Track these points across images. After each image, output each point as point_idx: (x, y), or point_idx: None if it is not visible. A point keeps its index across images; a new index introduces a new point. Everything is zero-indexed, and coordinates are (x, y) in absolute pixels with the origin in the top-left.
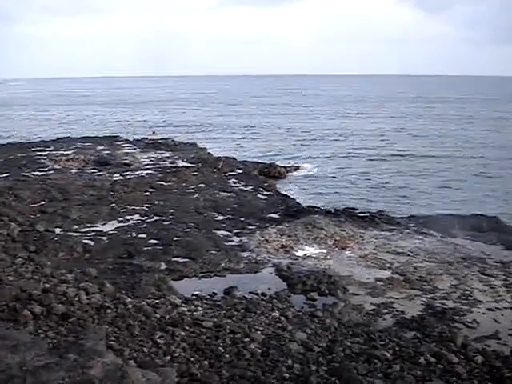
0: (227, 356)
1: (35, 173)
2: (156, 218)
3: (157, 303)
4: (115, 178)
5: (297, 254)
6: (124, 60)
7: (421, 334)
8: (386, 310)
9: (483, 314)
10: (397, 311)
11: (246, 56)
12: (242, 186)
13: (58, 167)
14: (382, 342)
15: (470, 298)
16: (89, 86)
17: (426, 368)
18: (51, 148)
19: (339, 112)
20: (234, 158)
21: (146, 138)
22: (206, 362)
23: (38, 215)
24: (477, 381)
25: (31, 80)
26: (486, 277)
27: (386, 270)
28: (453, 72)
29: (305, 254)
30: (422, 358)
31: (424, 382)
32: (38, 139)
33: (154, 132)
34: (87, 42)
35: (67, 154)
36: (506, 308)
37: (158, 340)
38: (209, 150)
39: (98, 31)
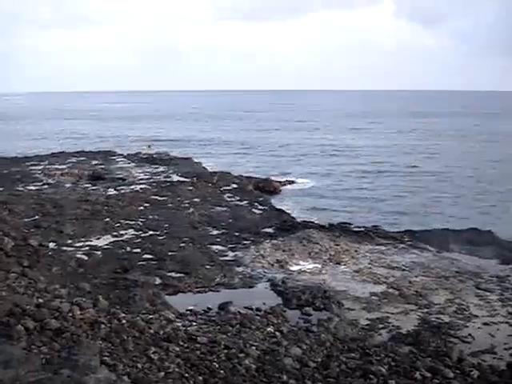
0: (222, 372)
1: (29, 187)
2: (150, 232)
3: (151, 318)
4: (110, 193)
5: (292, 268)
6: (121, 73)
7: (416, 348)
8: (381, 325)
9: (479, 328)
10: (392, 326)
11: (244, 70)
12: (237, 200)
13: (52, 182)
14: (377, 357)
15: (465, 312)
16: (84, 101)
17: (421, 383)
18: (46, 162)
19: (334, 127)
20: (229, 173)
21: (141, 153)
22: (200, 377)
23: (32, 230)
24: None
25: (26, 94)
26: (481, 291)
27: (381, 284)
28: (449, 86)
29: (300, 269)
30: (417, 373)
31: None
32: (33, 153)
33: (149, 146)
34: (83, 55)
35: (62, 169)
36: (501, 322)
37: (152, 355)
38: (204, 165)
39: (93, 44)
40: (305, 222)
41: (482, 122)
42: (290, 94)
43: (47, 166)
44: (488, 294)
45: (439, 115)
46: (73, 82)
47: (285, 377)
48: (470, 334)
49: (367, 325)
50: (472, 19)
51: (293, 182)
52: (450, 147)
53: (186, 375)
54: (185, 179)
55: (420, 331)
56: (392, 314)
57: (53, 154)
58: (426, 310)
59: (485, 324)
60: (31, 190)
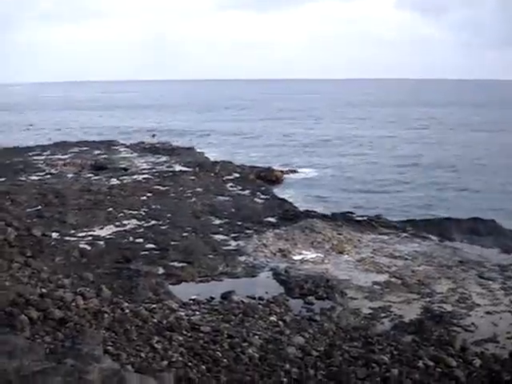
0: (225, 361)
1: (32, 177)
2: (153, 222)
3: (154, 308)
4: (112, 183)
5: (294, 258)
6: (123, 64)
7: (419, 337)
8: (383, 314)
9: (481, 317)
10: (395, 315)
11: (245, 59)
12: (240, 190)
13: (54, 172)
14: (380, 346)
15: (468, 301)
16: (87, 90)
17: (424, 372)
18: (48, 152)
19: (337, 117)
20: (231, 162)
21: (143, 143)
22: (203, 366)
23: (35, 220)
24: None
25: (31, 84)
26: (483, 280)
27: (383, 273)
28: (450, 76)
29: (302, 258)
30: (420, 361)
31: None
32: (35, 143)
33: (153, 135)
34: (86, 47)
35: (64, 159)
36: (504, 311)
37: (156, 345)
38: (206, 155)
39: (96, 35)
40: (307, 211)
41: (483, 112)
42: (290, 83)
43: (49, 156)
44: (490, 282)
45: (440, 105)
46: (75, 72)
47: (288, 365)
48: (472, 323)
49: (370, 314)
50: (472, 10)
51: (295, 172)
52: (451, 136)
53: (190, 364)
54: (187, 169)
55: (423, 320)
56: (394, 303)
57: (55, 143)
58: (428, 299)
59: (487, 313)
60: (34, 180)
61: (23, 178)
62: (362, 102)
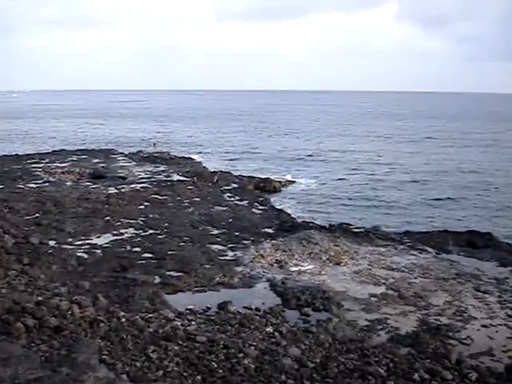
0: (220, 371)
1: (30, 185)
2: (150, 231)
3: (150, 317)
4: (110, 191)
5: (291, 269)
6: (123, 73)
7: (415, 350)
8: (380, 326)
9: (477, 330)
10: (391, 327)
11: (245, 70)
12: (237, 200)
13: (52, 179)
14: (376, 358)
15: (464, 314)
16: (86, 99)
17: None
18: (46, 160)
19: (335, 129)
20: (229, 172)
21: (142, 152)
22: (199, 376)
23: (33, 227)
24: None
25: (30, 92)
26: (480, 293)
27: (380, 285)
28: (450, 89)
29: (299, 270)
30: (416, 374)
31: None
32: (33, 151)
33: (154, 144)
34: (85, 55)
35: (62, 167)
36: (500, 325)
37: (151, 354)
38: (204, 164)
39: (96, 44)
40: (305, 222)
41: (482, 125)
42: (290, 95)
43: (48, 164)
44: (487, 296)
45: (438, 117)
46: (75, 81)
47: (283, 377)
48: (468, 336)
49: (366, 326)
50: (474, 23)
51: (293, 183)
52: (450, 150)
53: (185, 374)
54: (185, 178)
55: (419, 333)
56: (391, 315)
57: (53, 151)
58: (424, 312)
59: (483, 326)
60: (32, 187)
61: (21, 186)
62: (361, 114)
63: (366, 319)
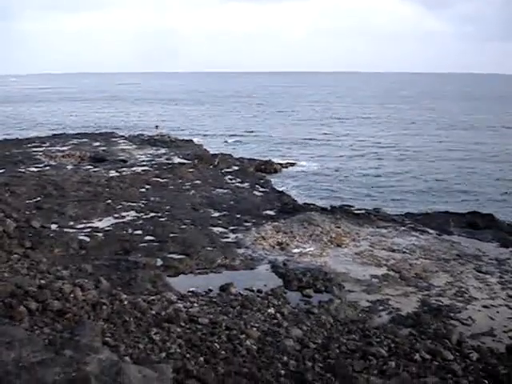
0: (223, 352)
1: (31, 169)
2: (152, 214)
3: (152, 300)
4: (111, 175)
5: (293, 250)
6: (123, 56)
7: (416, 330)
8: (381, 307)
9: (478, 311)
10: (392, 308)
11: (246, 52)
12: (238, 182)
13: (53, 163)
14: (377, 339)
15: (465, 295)
16: (85, 82)
17: (421, 365)
18: (47, 144)
19: (336, 112)
20: (230, 155)
21: (143, 135)
22: (201, 358)
23: (34, 211)
24: (472, 378)
25: (27, 76)
26: (481, 274)
27: (381, 266)
28: (452, 69)
29: (301, 251)
30: (417, 354)
31: (419, 379)
32: (34, 135)
33: (157, 127)
34: (86, 38)
35: (63, 150)
36: (501, 305)
37: (154, 336)
38: (205, 147)
39: (96, 27)
40: (306, 204)
41: (485, 106)
42: (295, 76)
43: (48, 148)
44: (488, 276)
45: (441, 98)
46: (74, 64)
47: (285, 358)
48: (469, 317)
49: (367, 307)
50: (475, 4)
51: (294, 165)
52: (452, 132)
53: (188, 356)
54: (186, 161)
55: (420, 313)
56: (392, 296)
57: (54, 135)
58: (426, 293)
59: (484, 307)
60: (33, 171)
61: (22, 170)
62: (362, 97)
63: (367, 300)
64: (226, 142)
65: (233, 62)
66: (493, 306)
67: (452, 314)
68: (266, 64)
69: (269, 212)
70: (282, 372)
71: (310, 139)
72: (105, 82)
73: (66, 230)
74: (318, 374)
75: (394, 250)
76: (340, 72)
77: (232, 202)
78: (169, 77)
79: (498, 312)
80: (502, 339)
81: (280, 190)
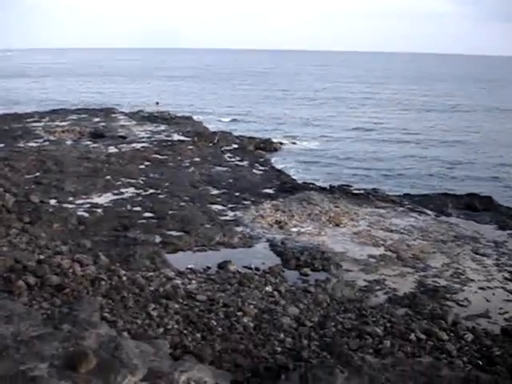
0: (220, 329)
1: (30, 144)
2: (151, 191)
3: (151, 276)
4: (110, 151)
5: (291, 229)
6: (120, 31)
7: (412, 311)
8: (378, 287)
9: (475, 292)
10: (389, 288)
11: (253, 29)
12: (238, 160)
13: (53, 138)
14: (373, 319)
15: (462, 276)
16: (88, 58)
17: (416, 345)
18: (46, 119)
19: (339, 92)
20: (229, 133)
21: (142, 111)
22: (198, 334)
23: (33, 186)
24: (466, 358)
25: (28, 51)
26: (478, 256)
27: (379, 247)
28: (454, 50)
29: (299, 230)
30: (412, 334)
31: (414, 359)
32: (34, 110)
33: (157, 103)
34: (93, 13)
35: (62, 126)
36: (497, 287)
37: (152, 312)
38: (205, 124)
39: (102, 3)
40: (305, 183)
41: (485, 88)
42: (300, 55)
43: (48, 123)
44: (485, 258)
45: (443, 80)
46: (75, 39)
47: (282, 335)
48: (465, 298)
49: (364, 286)
50: None
51: (294, 144)
52: (453, 114)
53: (185, 332)
54: (186, 138)
55: (416, 294)
56: (389, 276)
57: (53, 110)
58: (422, 274)
59: (481, 288)
60: (32, 146)
61: (22, 145)
62: (365, 76)
63: (364, 280)
64: (225, 119)
65: (235, 38)
66: (489, 287)
67: (448, 295)
68: (269, 42)
69: (268, 190)
70: (279, 349)
71: (311, 119)
72: (105, 57)
73: (65, 205)
74: (314, 352)
75: (391, 231)
76: (344, 51)
77: (231, 180)
78: (169, 53)
79: (493, 294)
80: (496, 321)
81: (279, 168)
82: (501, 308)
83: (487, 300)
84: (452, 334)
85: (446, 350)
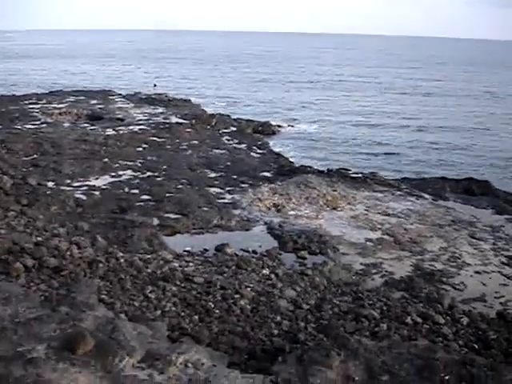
0: (217, 311)
1: (27, 126)
2: (149, 173)
3: (148, 258)
4: (108, 133)
5: (288, 212)
6: (114, 11)
7: (409, 294)
8: (375, 271)
9: (471, 276)
10: (386, 272)
11: (251, 10)
12: (236, 143)
13: (50, 121)
14: (370, 302)
15: (458, 260)
16: (84, 40)
17: (412, 328)
18: (44, 101)
19: (337, 74)
20: (228, 116)
21: (140, 93)
22: (196, 316)
23: (31, 168)
24: (462, 342)
25: (26, 32)
26: (475, 240)
27: (376, 230)
28: (453, 34)
29: (296, 213)
30: (408, 317)
31: (410, 342)
32: (31, 92)
33: (155, 85)
34: None
35: (60, 108)
36: (493, 271)
37: (149, 294)
38: (203, 107)
39: None
40: (303, 166)
41: (485, 72)
42: (284, 37)
43: (45, 105)
44: (481, 243)
45: (442, 63)
46: (74, 20)
47: (278, 318)
48: (462, 282)
49: (361, 270)
50: None
51: (292, 127)
52: (451, 98)
53: (182, 314)
54: (184, 121)
55: (413, 277)
56: (386, 259)
57: (51, 92)
58: (419, 257)
59: (477, 272)
60: (29, 128)
61: (19, 127)
62: (363, 60)
63: (361, 263)
64: (223, 102)
65: (235, 20)
66: (485, 272)
67: (444, 279)
68: (268, 24)
69: (265, 174)
70: (275, 332)
71: (310, 102)
72: (103, 39)
73: (62, 187)
74: (311, 335)
75: (389, 215)
76: (335, 34)
77: (229, 163)
78: (169, 34)
79: (490, 278)
80: (492, 305)
81: (277, 151)
82: (497, 292)
83: (483, 284)
84: (448, 318)
85: (442, 333)
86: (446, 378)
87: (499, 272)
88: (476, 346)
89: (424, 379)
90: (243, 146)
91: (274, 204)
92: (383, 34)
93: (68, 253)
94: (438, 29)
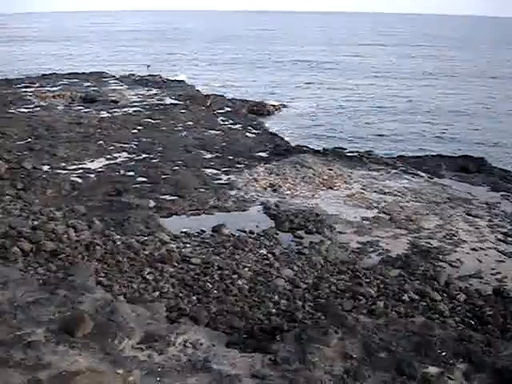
0: (215, 292)
1: (21, 110)
2: (144, 155)
3: (145, 240)
4: (102, 115)
5: (285, 192)
6: None
7: (405, 272)
8: (371, 249)
9: (467, 253)
10: (382, 250)
11: None
12: (231, 124)
13: (44, 104)
14: (366, 280)
15: (454, 237)
16: (76, 22)
17: (409, 305)
18: (37, 84)
19: (333, 52)
20: (222, 96)
21: (133, 75)
22: (194, 297)
23: (25, 152)
24: (458, 318)
25: (13, 15)
26: (471, 217)
27: (372, 209)
28: (438, 11)
29: (292, 193)
30: (405, 295)
31: (407, 319)
32: (24, 75)
33: (148, 66)
34: None
35: (53, 91)
36: (489, 248)
37: (147, 276)
38: (197, 88)
39: None
40: (299, 146)
41: (482, 52)
42: (286, 16)
43: (38, 88)
44: (478, 220)
45: (442, 41)
46: (68, 2)
47: (276, 297)
48: (458, 259)
49: (358, 248)
50: None
51: (288, 107)
52: (451, 79)
53: (181, 295)
54: (178, 102)
55: (409, 255)
56: (382, 238)
57: (43, 75)
58: (415, 235)
59: (473, 249)
60: (23, 112)
61: (12, 111)
62: (358, 38)
63: (357, 242)
64: (217, 83)
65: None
66: (481, 248)
67: (441, 256)
68: (265, 2)
69: (261, 154)
70: (273, 311)
71: (306, 83)
72: (90, 20)
73: (57, 171)
74: (309, 313)
75: (385, 193)
76: (323, 12)
77: (224, 144)
78: (155, 14)
79: (486, 255)
80: (489, 281)
81: (273, 131)
82: (493, 269)
83: (480, 261)
84: (445, 295)
85: (439, 310)
86: (443, 354)
87: (495, 249)
88: (472, 323)
89: (421, 356)
90: (238, 126)
91: (270, 184)
92: (370, 11)
93: (65, 236)
94: (423, 6)
